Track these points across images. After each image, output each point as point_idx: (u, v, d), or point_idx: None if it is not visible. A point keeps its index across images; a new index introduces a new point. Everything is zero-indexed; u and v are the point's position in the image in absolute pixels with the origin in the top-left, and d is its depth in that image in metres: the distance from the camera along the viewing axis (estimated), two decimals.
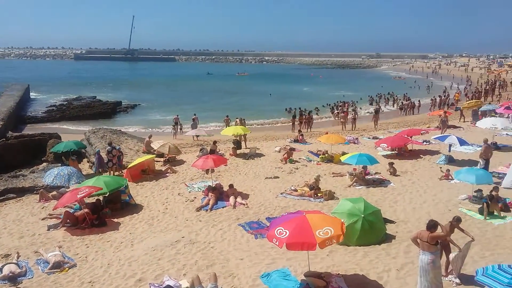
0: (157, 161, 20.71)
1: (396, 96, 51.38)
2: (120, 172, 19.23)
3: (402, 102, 44.92)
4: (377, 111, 34.55)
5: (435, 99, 42.72)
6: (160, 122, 38.83)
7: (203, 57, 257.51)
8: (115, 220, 13.80)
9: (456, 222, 9.12)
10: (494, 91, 52.52)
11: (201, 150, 22.11)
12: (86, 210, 13.39)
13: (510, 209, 12.84)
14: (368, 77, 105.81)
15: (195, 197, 15.46)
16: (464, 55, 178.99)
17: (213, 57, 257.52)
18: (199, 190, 16.30)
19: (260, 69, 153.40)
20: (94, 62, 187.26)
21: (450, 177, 16.15)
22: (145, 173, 18.53)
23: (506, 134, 24.25)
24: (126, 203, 15.04)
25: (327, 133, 25.54)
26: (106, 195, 14.55)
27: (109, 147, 19.22)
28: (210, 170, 17.73)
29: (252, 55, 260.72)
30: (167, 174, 18.95)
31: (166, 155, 21.42)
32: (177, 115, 31.41)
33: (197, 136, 28.10)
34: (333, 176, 17.82)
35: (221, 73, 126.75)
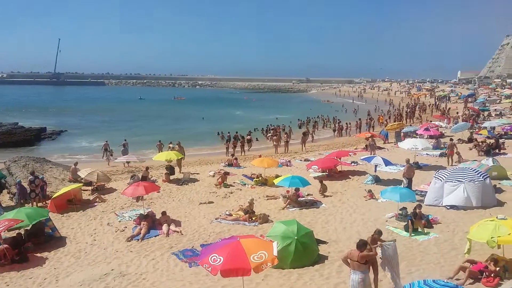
0: (84, 190, 19.73)
1: (326, 118, 53.38)
2: (44, 203, 18.08)
3: (334, 125, 46.54)
4: (305, 134, 35.60)
5: (360, 121, 44.82)
6: (87, 149, 37.25)
7: (134, 81, 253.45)
8: (38, 255, 12.85)
9: (377, 235, 9.52)
10: (414, 113, 56.20)
11: (132, 177, 21.41)
12: (5, 245, 12.37)
13: (433, 225, 13.60)
14: (298, 101, 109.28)
15: (126, 227, 14.87)
16: (386, 80, 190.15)
17: (145, 81, 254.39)
18: (130, 219, 15.70)
19: (194, 93, 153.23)
20: (16, 87, 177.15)
21: (373, 197, 16.92)
22: (71, 203, 17.54)
23: (426, 154, 25.89)
24: (50, 236, 14.11)
25: (260, 156, 25.83)
26: (28, 228, 13.59)
27: (31, 177, 18.06)
28: (141, 197, 17.20)
29: (185, 79, 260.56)
30: (95, 204, 18.08)
31: (94, 184, 20.48)
32: (106, 141, 30.35)
33: (128, 162, 27.21)
34: (267, 199, 17.99)
35: (154, 97, 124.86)
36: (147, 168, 22.25)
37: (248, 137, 35.99)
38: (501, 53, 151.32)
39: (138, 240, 13.52)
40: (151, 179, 21.51)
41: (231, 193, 19.22)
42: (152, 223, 14.58)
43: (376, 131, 38.13)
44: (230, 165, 25.41)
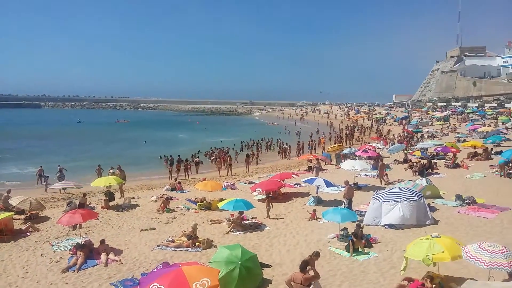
0: (16, 219, 18.53)
1: (270, 140, 54.14)
2: None
3: (278, 147, 47.30)
4: (248, 156, 35.84)
5: (302, 143, 45.87)
6: (20, 175, 35.13)
7: (73, 103, 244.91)
8: None
9: (315, 256, 9.68)
10: (353, 135, 58.31)
11: (68, 204, 20.42)
12: None
13: (372, 244, 14.00)
14: (243, 123, 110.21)
15: (61, 257, 14.05)
16: (327, 103, 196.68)
17: (84, 103, 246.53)
18: (66, 248, 14.87)
19: (137, 116, 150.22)
20: None
21: (316, 217, 17.28)
22: (1, 234, 16.35)
23: (365, 174, 26.80)
24: None
25: (204, 179, 25.63)
26: None
27: None
28: (78, 225, 16.40)
29: (126, 102, 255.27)
30: (28, 233, 16.97)
31: (27, 212, 19.30)
32: (41, 167, 28.87)
33: (64, 189, 25.96)
34: (211, 224, 17.79)
35: (93, 120, 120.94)
36: (84, 195, 21.37)
37: (197, 159, 35.89)
38: (432, 78, 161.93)
39: (74, 271, 12.80)
40: (89, 206, 20.64)
41: (174, 218, 18.82)
42: (89, 252, 13.89)
43: (317, 153, 39.10)
44: (173, 189, 24.97)
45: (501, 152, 29.42)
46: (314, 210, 17.83)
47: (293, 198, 21.70)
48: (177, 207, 20.63)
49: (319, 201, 20.21)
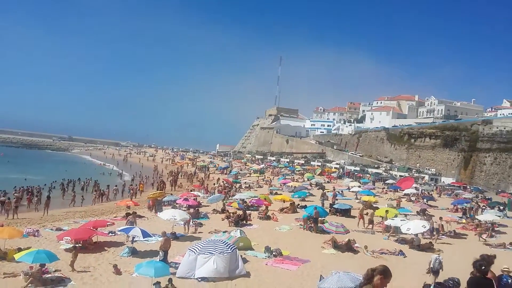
0: None
1: (86, 181, 50.56)
2: None
3: (97, 189, 43.80)
4: (48, 197, 32.78)
5: (123, 187, 44.15)
6: None
7: None
8: None
9: None
10: (177, 181, 58.46)
11: None
12: None
13: None
14: (57, 160, 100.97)
15: None
16: (153, 146, 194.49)
17: None
18: None
19: None
20: None
21: (120, 272, 16.47)
22: None
23: (183, 223, 26.83)
24: None
25: (2, 225, 22.29)
26: None
27: None
28: None
29: None
30: None
31: None
32: None
33: None
34: (4, 277, 15.39)
35: None
36: None
37: (3, 198, 31.20)
38: (252, 132, 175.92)
39: None
40: None
41: None
42: None
43: (137, 198, 37.96)
44: None
45: (305, 206, 32.92)
46: (115, 266, 16.83)
47: (106, 248, 20.29)
48: None
49: (133, 252, 19.32)
